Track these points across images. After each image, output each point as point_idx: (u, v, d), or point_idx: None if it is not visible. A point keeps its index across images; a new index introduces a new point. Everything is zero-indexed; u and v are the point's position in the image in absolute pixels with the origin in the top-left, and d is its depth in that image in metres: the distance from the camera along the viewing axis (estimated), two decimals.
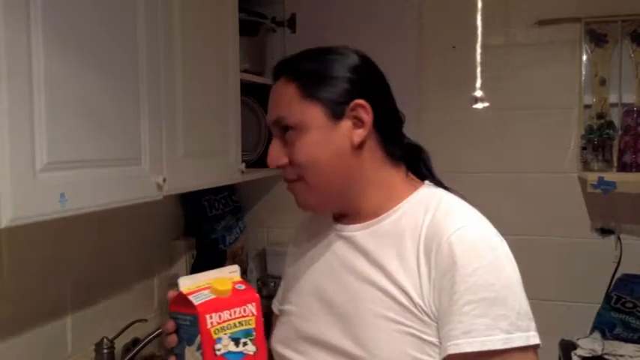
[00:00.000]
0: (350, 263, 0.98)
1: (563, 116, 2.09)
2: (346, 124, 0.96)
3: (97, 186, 1.14)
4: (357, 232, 1.00)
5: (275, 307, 1.16)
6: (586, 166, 2.03)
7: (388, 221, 0.98)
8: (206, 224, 2.16)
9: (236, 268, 0.91)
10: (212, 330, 0.82)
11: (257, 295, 0.88)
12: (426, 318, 0.88)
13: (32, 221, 0.97)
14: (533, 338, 0.86)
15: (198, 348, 0.82)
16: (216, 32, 1.68)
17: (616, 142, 2.00)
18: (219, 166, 1.72)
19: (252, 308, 0.86)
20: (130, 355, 1.61)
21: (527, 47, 2.11)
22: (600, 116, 2.02)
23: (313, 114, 0.95)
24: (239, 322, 0.85)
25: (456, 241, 0.88)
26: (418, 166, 1.06)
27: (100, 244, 1.64)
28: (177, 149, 1.45)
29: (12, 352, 1.37)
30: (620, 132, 1.99)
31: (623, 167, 1.97)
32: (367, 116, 0.96)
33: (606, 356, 1.84)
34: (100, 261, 1.65)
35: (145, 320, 1.69)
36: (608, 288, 2.03)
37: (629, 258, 2.03)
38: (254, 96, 2.14)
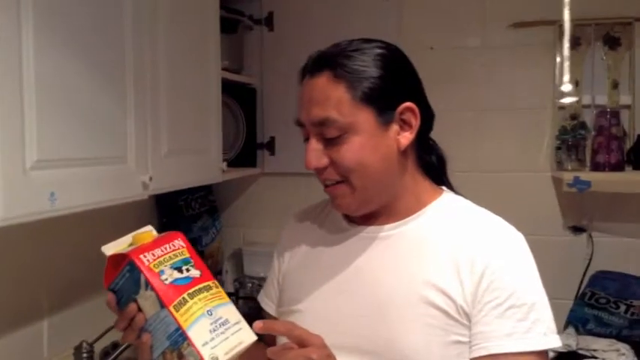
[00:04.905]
0: (380, 264, 0.97)
1: (537, 117, 2.13)
2: (394, 127, 0.95)
3: (85, 185, 1.11)
4: (384, 232, 0.99)
5: (270, 308, 1.13)
6: (560, 165, 2.07)
7: (415, 223, 0.98)
8: (183, 224, 2.12)
9: (151, 227, 0.91)
10: (151, 265, 0.83)
11: (179, 232, 0.89)
12: (465, 321, 0.90)
13: (23, 221, 0.94)
14: (557, 341, 0.91)
15: (147, 286, 0.81)
16: (199, 30, 1.65)
17: (588, 143, 2.05)
18: (202, 165, 1.69)
19: (179, 242, 0.88)
20: (110, 358, 1.57)
21: (503, 49, 2.14)
22: (574, 117, 2.07)
23: (365, 118, 0.92)
24: (173, 255, 0.86)
25: (497, 249, 0.93)
26: (435, 170, 1.06)
27: (77, 246, 1.59)
28: (162, 148, 1.42)
29: None
30: (592, 133, 2.04)
31: (595, 167, 2.01)
32: (415, 120, 0.96)
33: (580, 351, 1.87)
34: (78, 263, 1.60)
35: None
36: (580, 284, 2.07)
37: (600, 255, 2.08)
38: (231, 94, 2.11)
